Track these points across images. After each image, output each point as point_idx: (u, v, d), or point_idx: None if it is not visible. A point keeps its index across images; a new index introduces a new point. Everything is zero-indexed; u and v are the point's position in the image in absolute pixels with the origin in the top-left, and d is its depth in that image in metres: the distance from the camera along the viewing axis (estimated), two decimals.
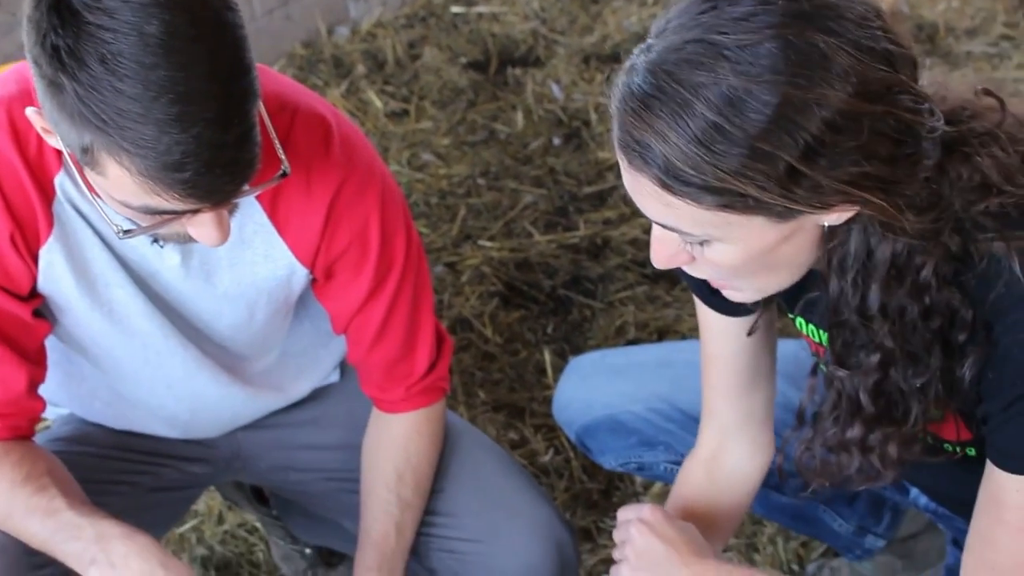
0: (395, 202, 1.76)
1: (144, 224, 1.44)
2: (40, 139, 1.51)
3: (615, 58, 3.58)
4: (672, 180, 1.22)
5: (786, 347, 1.98)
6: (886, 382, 1.35)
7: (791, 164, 1.19)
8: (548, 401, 2.55)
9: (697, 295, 1.62)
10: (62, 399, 1.88)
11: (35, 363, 1.67)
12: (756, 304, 1.52)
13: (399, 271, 1.76)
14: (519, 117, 3.41)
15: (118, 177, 1.35)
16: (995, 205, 1.26)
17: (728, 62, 1.19)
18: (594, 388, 2.01)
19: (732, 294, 1.40)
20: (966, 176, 1.27)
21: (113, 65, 1.28)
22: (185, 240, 1.51)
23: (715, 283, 1.40)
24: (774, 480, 1.95)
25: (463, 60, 3.63)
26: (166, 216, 1.41)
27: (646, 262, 2.92)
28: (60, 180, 1.56)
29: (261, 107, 1.41)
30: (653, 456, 1.99)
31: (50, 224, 1.58)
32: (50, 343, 1.71)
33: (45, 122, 1.39)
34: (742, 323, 1.60)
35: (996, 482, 1.39)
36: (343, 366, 2.01)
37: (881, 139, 1.21)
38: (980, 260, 1.28)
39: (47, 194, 1.57)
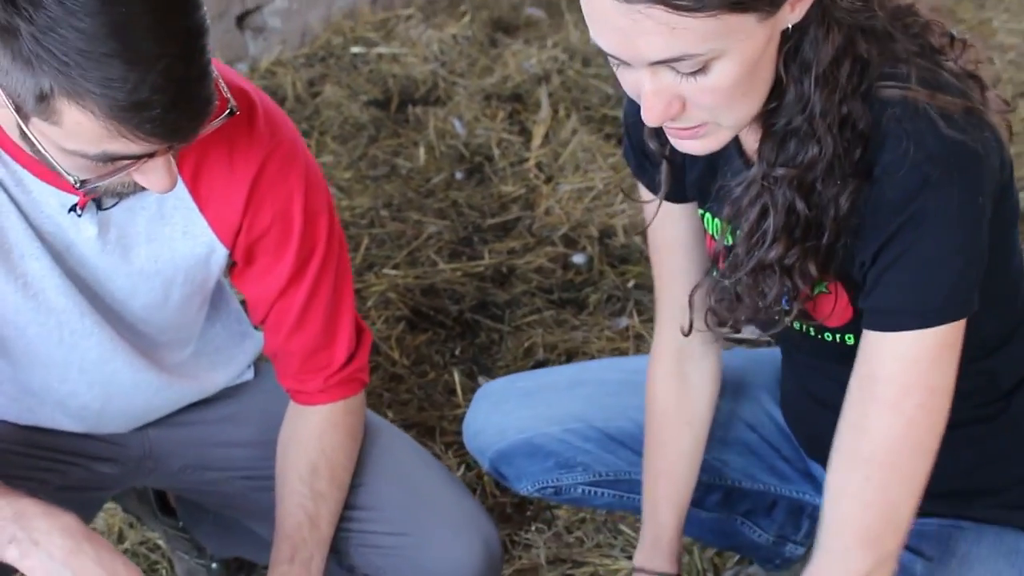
0: (319, 183, 1.74)
1: (96, 175, 1.40)
2: None
3: (517, 98, 3.60)
4: None
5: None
6: (814, 192, 1.42)
7: None
8: (458, 420, 2.52)
9: (647, 182, 1.68)
10: None
11: None
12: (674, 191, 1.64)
13: (321, 255, 1.73)
14: (421, 152, 3.41)
15: (78, 124, 1.32)
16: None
17: None
18: (507, 413, 1.98)
19: (706, 143, 1.42)
20: None
21: (71, 5, 1.25)
22: (129, 191, 1.49)
23: (695, 133, 1.41)
24: (695, 496, 1.95)
25: (364, 98, 3.62)
26: (119, 164, 1.38)
27: (553, 288, 2.92)
28: None
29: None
30: (571, 478, 1.97)
31: None
32: None
33: None
34: (680, 208, 1.68)
35: (868, 354, 1.45)
36: (258, 366, 1.96)
37: None
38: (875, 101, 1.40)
39: None
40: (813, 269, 1.46)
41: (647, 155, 1.64)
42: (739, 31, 1.31)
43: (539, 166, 3.34)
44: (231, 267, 1.74)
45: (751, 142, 1.50)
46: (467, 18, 3.94)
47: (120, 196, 1.54)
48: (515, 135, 3.45)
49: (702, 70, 1.33)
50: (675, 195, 1.66)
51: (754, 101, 1.40)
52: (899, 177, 1.38)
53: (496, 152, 3.38)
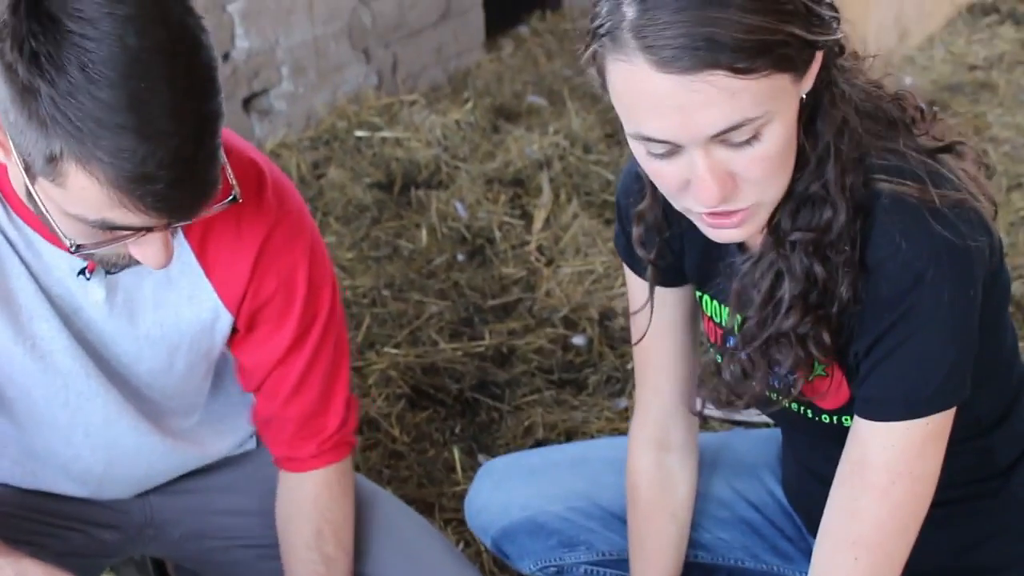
0: (323, 257, 1.76)
1: (93, 241, 1.42)
2: None
3: (518, 182, 3.64)
4: (741, 57, 1.28)
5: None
6: (828, 259, 1.43)
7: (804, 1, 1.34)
8: (458, 496, 2.52)
9: (635, 269, 1.70)
10: None
11: None
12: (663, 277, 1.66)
13: (322, 324, 1.75)
14: (423, 234, 3.44)
15: (82, 189, 1.34)
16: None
17: None
18: (510, 491, 1.98)
19: (745, 229, 1.43)
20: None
21: (93, 73, 1.28)
22: (124, 263, 1.50)
23: (738, 220, 1.42)
24: None
25: (367, 180, 3.66)
26: (117, 233, 1.40)
27: (553, 368, 2.94)
28: None
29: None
30: (573, 557, 1.96)
31: None
32: None
33: (2, 133, 1.37)
34: (672, 293, 1.69)
35: (860, 441, 1.47)
36: (258, 435, 1.97)
37: None
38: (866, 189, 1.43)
39: None
40: (827, 337, 1.46)
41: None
42: (783, 92, 1.34)
43: (540, 249, 3.37)
44: (232, 335, 1.76)
45: None
46: (470, 104, 4.00)
47: (117, 267, 1.55)
48: (516, 218, 3.49)
49: (755, 137, 1.35)
50: (672, 279, 1.68)
51: (789, 171, 1.42)
52: (892, 274, 1.41)
53: (497, 235, 3.42)
